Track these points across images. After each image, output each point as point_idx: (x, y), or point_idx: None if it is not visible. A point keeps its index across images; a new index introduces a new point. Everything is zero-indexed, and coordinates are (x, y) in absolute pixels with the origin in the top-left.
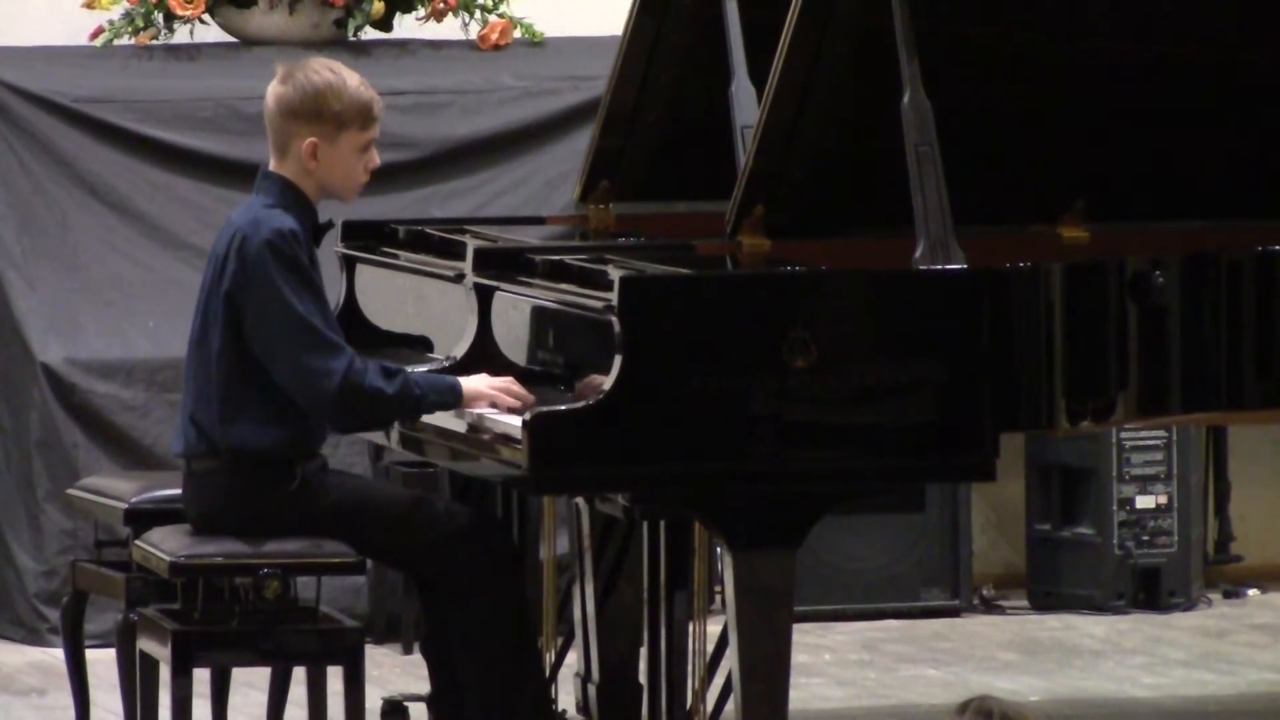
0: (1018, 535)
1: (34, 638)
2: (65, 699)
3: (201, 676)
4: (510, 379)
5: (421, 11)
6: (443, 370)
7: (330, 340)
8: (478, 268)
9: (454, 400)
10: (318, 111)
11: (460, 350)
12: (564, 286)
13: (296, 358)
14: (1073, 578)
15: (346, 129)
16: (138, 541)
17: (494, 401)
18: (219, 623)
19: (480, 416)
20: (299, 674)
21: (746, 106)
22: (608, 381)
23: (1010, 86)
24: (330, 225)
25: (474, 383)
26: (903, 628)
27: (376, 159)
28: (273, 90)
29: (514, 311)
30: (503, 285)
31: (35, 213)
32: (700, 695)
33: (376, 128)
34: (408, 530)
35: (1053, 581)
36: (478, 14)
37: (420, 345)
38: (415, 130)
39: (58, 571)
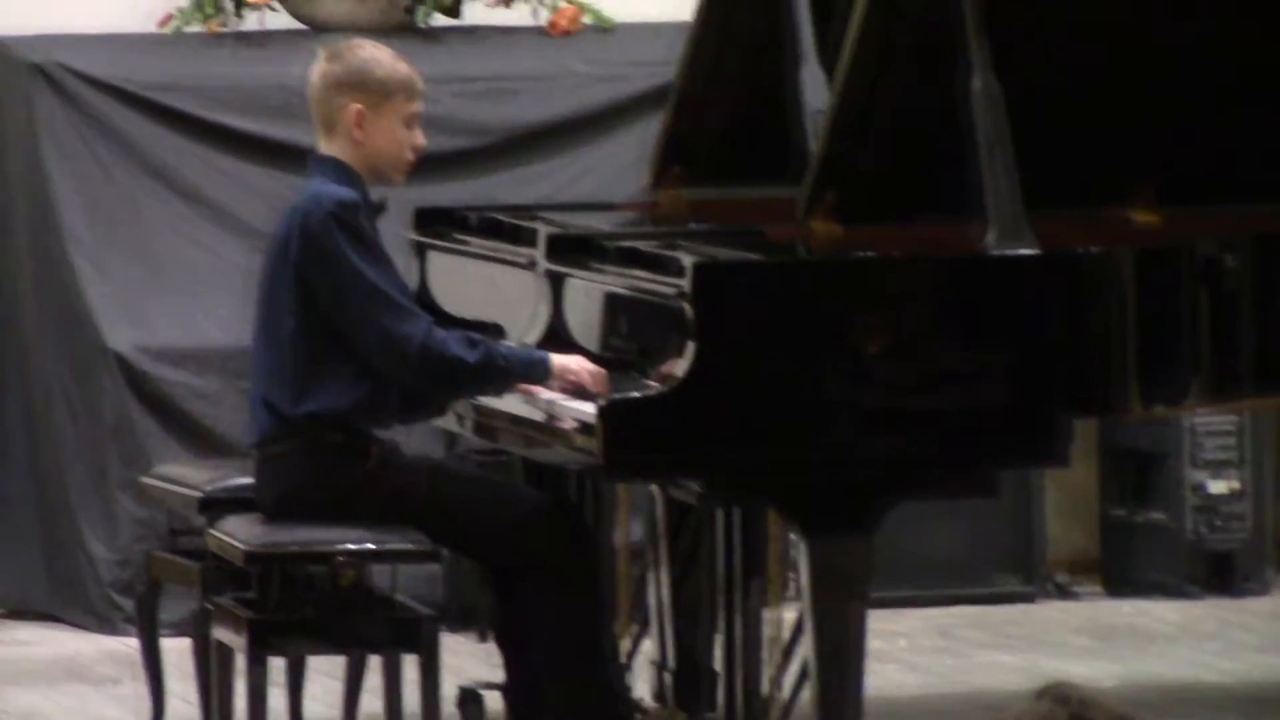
0: (1091, 521)
1: (108, 627)
2: (140, 688)
3: (277, 665)
4: (600, 369)
5: None
6: None
7: (405, 306)
8: (550, 254)
9: (543, 373)
10: (362, 81)
11: (533, 337)
12: (636, 273)
13: (377, 323)
14: (1146, 563)
15: (391, 99)
16: (212, 530)
17: (579, 379)
18: (294, 611)
19: (552, 402)
20: (374, 662)
21: (817, 91)
22: (681, 368)
23: (1081, 69)
24: (384, 206)
25: (564, 358)
26: (976, 614)
27: (422, 139)
28: (317, 69)
29: (586, 298)
30: (575, 272)
31: (106, 201)
32: (775, 682)
33: (420, 103)
34: (482, 517)
35: (1126, 567)
36: (547, 0)
37: (493, 332)
38: (486, 117)
39: (131, 560)
